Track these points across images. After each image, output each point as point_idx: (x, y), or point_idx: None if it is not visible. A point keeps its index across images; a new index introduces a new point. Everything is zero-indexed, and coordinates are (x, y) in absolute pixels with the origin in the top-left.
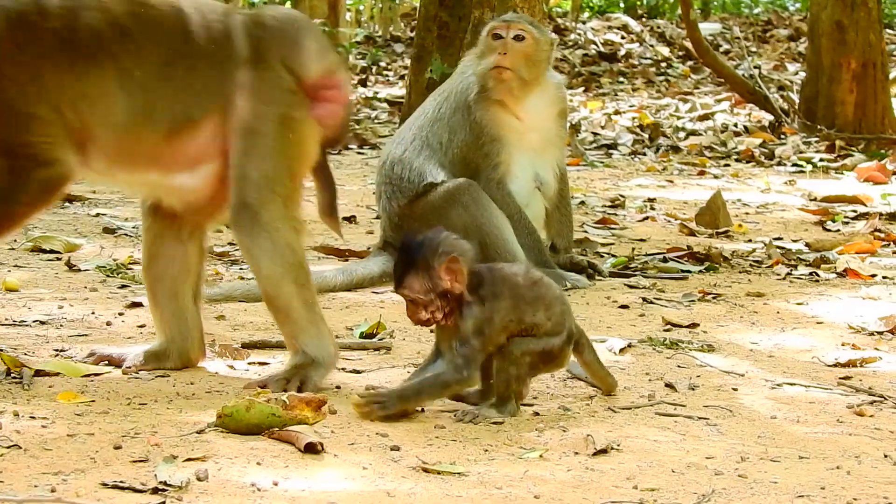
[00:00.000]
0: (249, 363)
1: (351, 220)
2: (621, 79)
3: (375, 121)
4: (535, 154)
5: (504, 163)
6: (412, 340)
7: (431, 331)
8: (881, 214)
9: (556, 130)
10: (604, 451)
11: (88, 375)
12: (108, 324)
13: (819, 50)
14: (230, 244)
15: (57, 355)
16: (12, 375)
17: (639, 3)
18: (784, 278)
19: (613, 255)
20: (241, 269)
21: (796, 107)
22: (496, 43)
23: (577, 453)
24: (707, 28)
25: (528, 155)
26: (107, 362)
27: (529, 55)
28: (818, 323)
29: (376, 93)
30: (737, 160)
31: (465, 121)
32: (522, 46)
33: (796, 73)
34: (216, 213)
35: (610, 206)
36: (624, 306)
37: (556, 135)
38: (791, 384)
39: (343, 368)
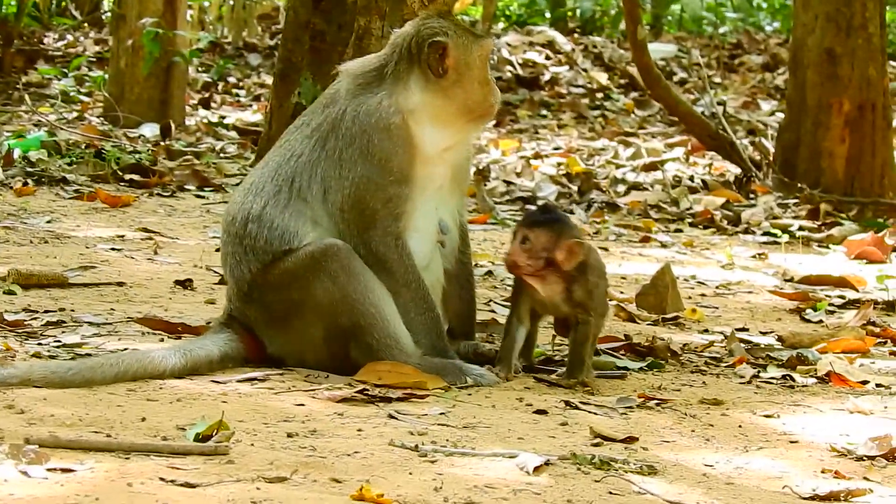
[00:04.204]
0: (49, 469)
1: (186, 284)
2: (544, 111)
3: (221, 155)
4: (440, 198)
5: (408, 212)
6: (263, 446)
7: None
8: (876, 302)
9: (465, 168)
10: None
11: None
12: None
13: (803, 85)
14: (25, 310)
15: None
16: None
17: (570, 13)
18: (749, 382)
19: None
20: (39, 343)
21: (771, 158)
22: (487, 70)
23: None
24: (659, 50)
25: (433, 200)
26: None
27: None
28: (792, 442)
29: (223, 117)
30: (692, 224)
31: (366, 154)
32: None
33: (772, 114)
34: None
35: None
36: (541, 411)
37: (464, 174)
38: None
39: (172, 481)
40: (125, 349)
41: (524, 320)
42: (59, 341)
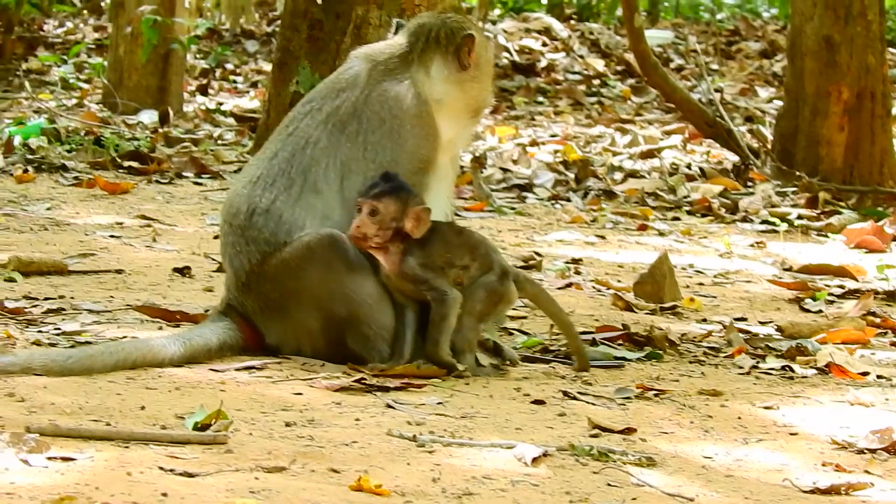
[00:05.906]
0: (49, 458)
1: (184, 272)
2: (541, 98)
3: (219, 142)
4: (447, 185)
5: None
6: (261, 436)
7: None
8: (877, 292)
9: (458, 158)
10: None
11: None
12: None
13: (801, 73)
14: (25, 298)
15: None
16: None
17: (566, 0)
18: (748, 373)
19: (526, 334)
20: (40, 331)
21: (769, 146)
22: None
23: None
24: (655, 36)
25: (444, 186)
26: None
27: None
28: (792, 434)
29: (220, 104)
30: (689, 213)
31: (396, 139)
32: None
33: (770, 101)
34: None
35: (522, 268)
36: (538, 402)
37: (457, 164)
38: None
39: (172, 470)
40: (124, 337)
41: (407, 301)
42: (58, 329)
